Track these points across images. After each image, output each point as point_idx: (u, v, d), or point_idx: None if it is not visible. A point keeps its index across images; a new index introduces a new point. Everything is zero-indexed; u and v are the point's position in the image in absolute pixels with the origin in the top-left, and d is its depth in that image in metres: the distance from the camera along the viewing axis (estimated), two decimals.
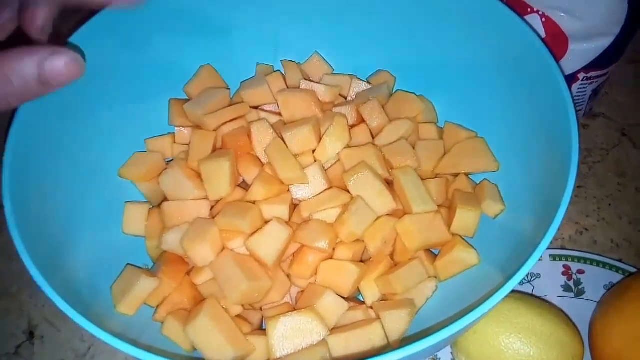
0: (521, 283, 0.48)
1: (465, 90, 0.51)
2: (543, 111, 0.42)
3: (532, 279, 0.49)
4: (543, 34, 0.52)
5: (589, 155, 0.60)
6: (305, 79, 0.52)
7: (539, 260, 0.49)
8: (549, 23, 0.51)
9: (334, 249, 0.44)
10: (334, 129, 0.46)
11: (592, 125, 0.62)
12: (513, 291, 0.46)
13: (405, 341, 0.38)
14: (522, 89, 0.45)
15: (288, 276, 0.44)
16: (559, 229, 0.54)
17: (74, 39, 0.44)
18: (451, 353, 0.44)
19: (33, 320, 0.51)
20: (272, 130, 0.46)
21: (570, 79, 0.54)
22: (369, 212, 0.43)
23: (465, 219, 0.44)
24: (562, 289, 0.48)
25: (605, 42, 0.52)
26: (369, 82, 0.55)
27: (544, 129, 0.42)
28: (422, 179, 0.46)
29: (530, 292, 0.48)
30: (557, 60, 0.53)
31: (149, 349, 0.31)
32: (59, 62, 0.29)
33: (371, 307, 0.43)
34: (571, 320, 0.42)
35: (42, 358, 0.49)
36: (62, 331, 0.50)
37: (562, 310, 0.43)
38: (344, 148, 0.47)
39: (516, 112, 0.46)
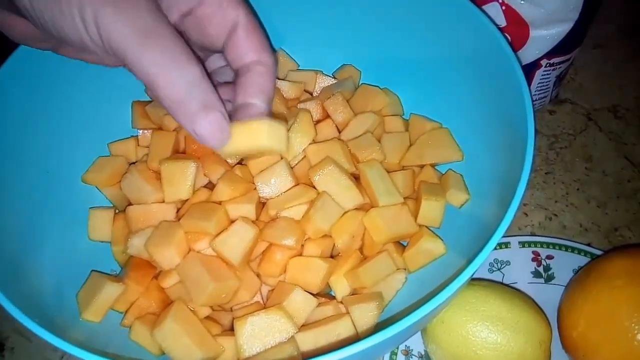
0: (491, 271, 0.49)
1: (429, 82, 0.51)
2: (502, 100, 0.42)
3: (502, 266, 0.49)
4: (504, 22, 0.52)
5: (556, 141, 0.60)
6: None
7: (508, 247, 0.50)
8: (509, 11, 0.51)
9: (302, 245, 0.44)
10: (299, 125, 0.46)
11: (558, 111, 0.62)
12: (481, 280, 0.46)
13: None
14: (483, 79, 0.45)
15: (258, 275, 0.44)
16: (528, 216, 0.55)
17: None
18: (423, 343, 0.44)
19: (3, 332, 0.50)
20: None
21: (533, 66, 0.55)
22: (335, 207, 0.43)
23: (430, 209, 0.44)
24: (532, 275, 0.49)
25: (565, 28, 0.52)
26: (334, 77, 0.55)
27: (503, 117, 0.42)
28: (389, 172, 0.46)
29: (501, 279, 0.48)
30: (519, 47, 0.53)
31: (116, 358, 0.31)
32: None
33: (341, 302, 0.43)
34: (538, 306, 0.43)
35: None
36: (34, 341, 0.49)
37: (529, 296, 0.44)
38: (310, 144, 0.47)
39: (478, 102, 0.46)
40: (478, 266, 0.32)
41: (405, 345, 0.45)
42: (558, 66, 0.56)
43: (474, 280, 0.44)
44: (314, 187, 0.45)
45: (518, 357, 0.38)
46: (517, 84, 0.39)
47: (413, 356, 0.44)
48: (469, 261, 0.33)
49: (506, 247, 0.50)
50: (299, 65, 0.56)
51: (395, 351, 0.44)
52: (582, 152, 0.59)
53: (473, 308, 0.40)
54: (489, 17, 0.43)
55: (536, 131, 0.60)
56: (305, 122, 0.46)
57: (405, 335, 0.37)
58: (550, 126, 0.61)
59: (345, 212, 0.44)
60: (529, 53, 0.54)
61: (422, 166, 0.48)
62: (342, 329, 0.39)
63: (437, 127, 0.50)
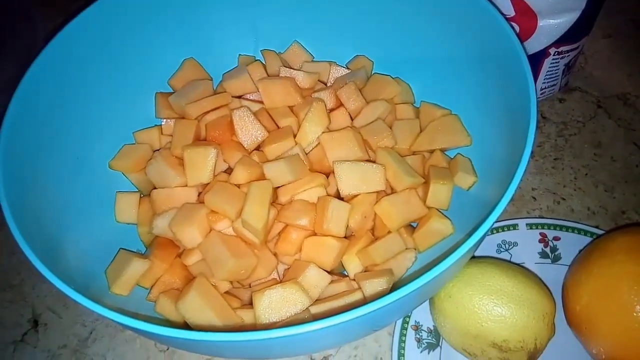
0: (499, 251, 0.50)
1: (439, 72, 0.53)
2: (508, 88, 0.44)
3: (510, 247, 0.51)
4: (512, 12, 0.54)
5: (566, 128, 0.61)
6: (285, 66, 0.54)
7: (516, 229, 0.52)
8: (517, 1, 0.53)
9: None
10: (313, 114, 0.48)
11: (568, 99, 0.64)
12: (488, 257, 0.48)
13: None
14: (490, 68, 0.46)
15: (275, 254, 0.47)
16: (536, 200, 0.57)
17: (64, 33, 0.46)
18: (432, 319, 0.46)
19: (36, 309, 0.53)
20: (252, 117, 0.49)
21: (542, 54, 0.56)
22: (344, 208, 0.44)
23: (438, 192, 0.46)
24: (539, 256, 0.50)
25: (572, 17, 0.53)
26: (347, 68, 0.57)
27: (509, 104, 0.44)
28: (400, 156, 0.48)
29: (508, 259, 0.50)
30: (528, 36, 0.55)
31: (147, 320, 0.33)
32: None
33: (354, 279, 0.45)
34: (542, 281, 0.44)
35: (46, 344, 0.51)
36: (64, 318, 0.52)
37: (533, 273, 0.45)
38: (323, 132, 0.49)
39: (486, 90, 0.47)
40: (478, 239, 0.34)
41: (415, 321, 0.47)
42: (567, 54, 0.57)
43: (480, 258, 0.46)
44: (325, 174, 0.47)
45: (522, 329, 0.40)
46: (522, 74, 0.41)
47: (422, 331, 0.46)
48: (469, 235, 0.34)
49: (514, 228, 0.51)
50: (313, 57, 0.58)
51: (406, 326, 0.46)
52: (591, 138, 0.60)
53: (479, 283, 0.42)
54: (497, 7, 0.45)
55: (545, 118, 0.62)
56: (319, 110, 0.49)
57: (411, 302, 0.39)
58: (560, 113, 0.62)
59: (357, 195, 0.46)
60: (537, 42, 0.55)
61: (432, 151, 0.50)
62: (353, 302, 0.42)
63: (447, 113, 0.52)
